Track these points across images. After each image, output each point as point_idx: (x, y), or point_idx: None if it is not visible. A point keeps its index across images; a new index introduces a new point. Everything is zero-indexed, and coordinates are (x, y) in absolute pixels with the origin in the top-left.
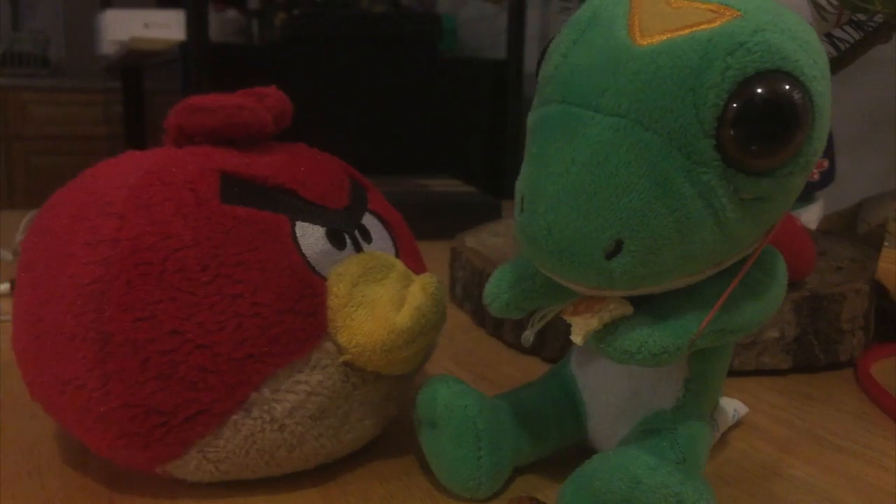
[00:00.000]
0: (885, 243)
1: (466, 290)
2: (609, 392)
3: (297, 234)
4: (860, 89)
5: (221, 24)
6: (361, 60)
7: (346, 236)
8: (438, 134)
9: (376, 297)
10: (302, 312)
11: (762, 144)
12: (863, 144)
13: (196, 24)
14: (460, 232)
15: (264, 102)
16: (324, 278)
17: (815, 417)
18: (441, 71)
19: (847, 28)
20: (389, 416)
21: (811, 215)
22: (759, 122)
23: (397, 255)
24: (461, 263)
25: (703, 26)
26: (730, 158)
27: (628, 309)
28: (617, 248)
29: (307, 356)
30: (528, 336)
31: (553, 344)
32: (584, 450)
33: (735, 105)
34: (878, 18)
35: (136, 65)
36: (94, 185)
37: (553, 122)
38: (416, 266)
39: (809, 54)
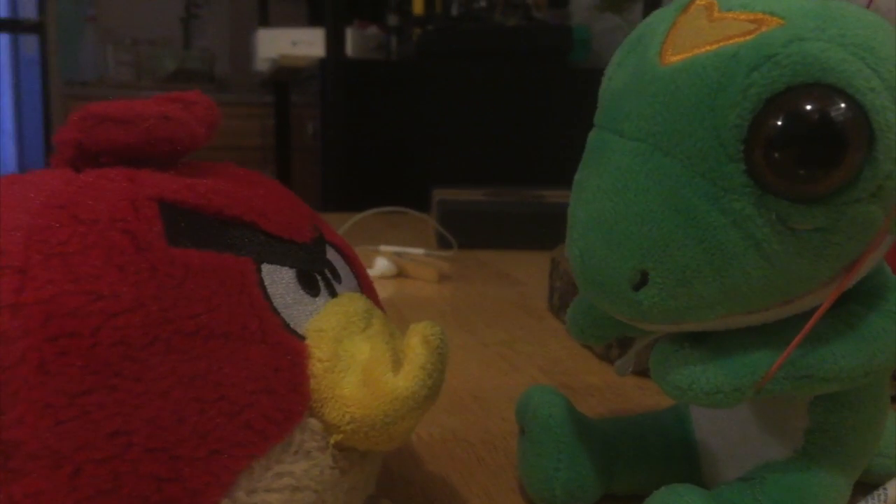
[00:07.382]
0: None
1: (563, 299)
2: (718, 435)
3: (266, 283)
4: None
5: (363, 40)
6: (493, 73)
7: (318, 278)
8: (567, 145)
9: (365, 355)
10: (280, 387)
11: (798, 168)
12: None
13: (333, 40)
14: (562, 242)
15: (192, 111)
16: (301, 337)
17: None
18: (571, 82)
19: None
20: (367, 495)
21: None
22: (791, 142)
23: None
24: (559, 273)
25: (734, 40)
26: (765, 184)
27: None
28: (643, 280)
29: (287, 439)
30: (620, 365)
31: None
32: None
33: (762, 125)
34: None
35: (285, 80)
36: None
37: (590, 146)
38: (378, 306)
39: (869, 63)
